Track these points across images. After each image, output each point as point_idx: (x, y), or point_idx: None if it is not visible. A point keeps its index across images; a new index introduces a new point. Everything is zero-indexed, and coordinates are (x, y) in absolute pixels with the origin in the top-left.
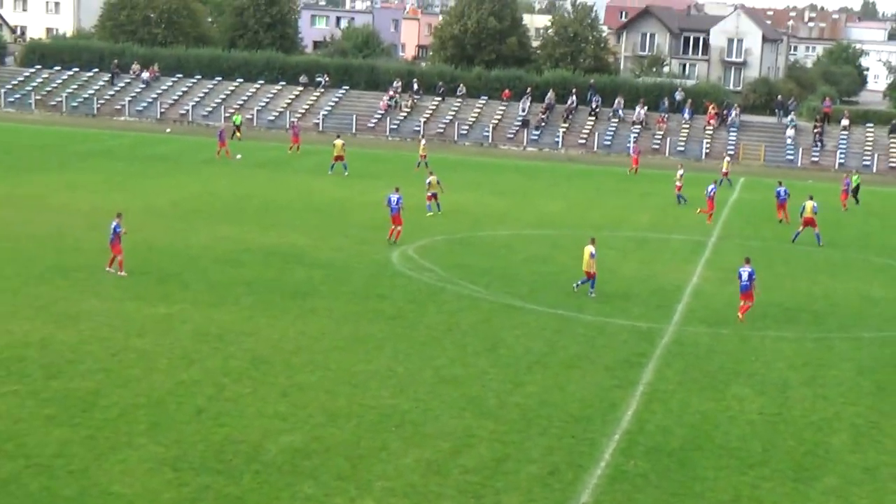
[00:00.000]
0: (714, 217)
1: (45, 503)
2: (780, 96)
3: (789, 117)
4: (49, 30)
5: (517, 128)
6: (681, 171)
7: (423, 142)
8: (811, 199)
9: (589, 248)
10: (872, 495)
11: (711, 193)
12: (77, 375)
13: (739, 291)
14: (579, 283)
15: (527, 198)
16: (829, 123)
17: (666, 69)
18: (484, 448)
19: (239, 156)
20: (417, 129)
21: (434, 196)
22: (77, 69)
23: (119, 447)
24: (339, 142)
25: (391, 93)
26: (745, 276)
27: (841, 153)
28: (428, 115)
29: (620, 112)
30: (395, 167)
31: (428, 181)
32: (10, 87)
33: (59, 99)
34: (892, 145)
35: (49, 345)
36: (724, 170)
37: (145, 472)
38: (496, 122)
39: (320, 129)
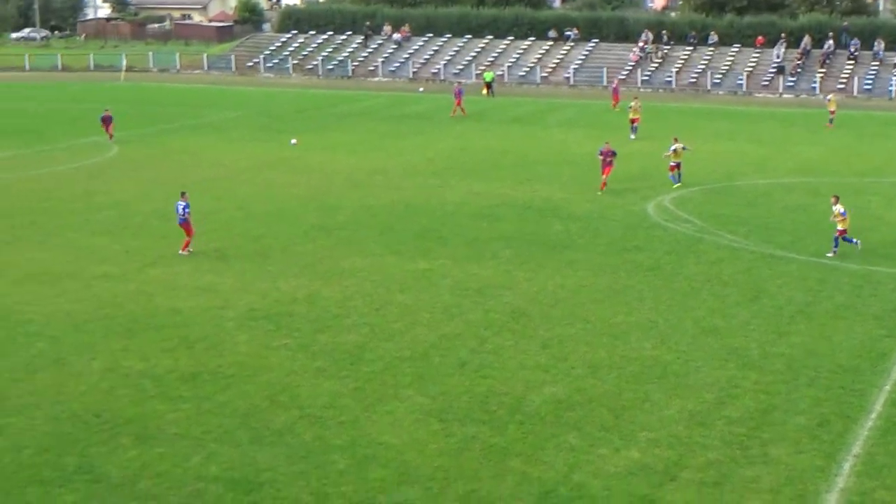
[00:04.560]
0: None
1: (319, 452)
2: None
3: None
4: None
5: (772, 75)
6: None
7: (831, 96)
8: None
9: (835, 207)
10: None
11: None
12: (343, 330)
13: None
14: (853, 241)
15: (785, 145)
16: None
17: None
18: (749, 399)
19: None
20: (669, 79)
21: (677, 166)
22: (331, 32)
23: (386, 399)
24: (635, 103)
25: (641, 44)
26: None
27: None
28: (679, 66)
29: (881, 55)
30: (646, 117)
31: (673, 148)
32: (268, 52)
33: (315, 62)
34: None
35: (316, 300)
36: None
37: (412, 422)
38: (750, 69)
39: (571, 83)
